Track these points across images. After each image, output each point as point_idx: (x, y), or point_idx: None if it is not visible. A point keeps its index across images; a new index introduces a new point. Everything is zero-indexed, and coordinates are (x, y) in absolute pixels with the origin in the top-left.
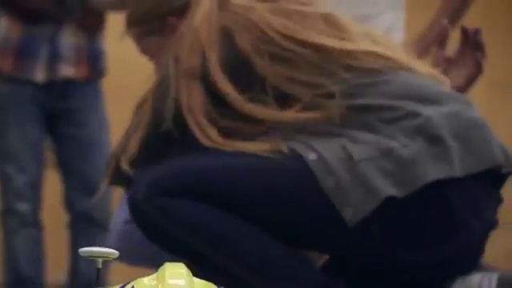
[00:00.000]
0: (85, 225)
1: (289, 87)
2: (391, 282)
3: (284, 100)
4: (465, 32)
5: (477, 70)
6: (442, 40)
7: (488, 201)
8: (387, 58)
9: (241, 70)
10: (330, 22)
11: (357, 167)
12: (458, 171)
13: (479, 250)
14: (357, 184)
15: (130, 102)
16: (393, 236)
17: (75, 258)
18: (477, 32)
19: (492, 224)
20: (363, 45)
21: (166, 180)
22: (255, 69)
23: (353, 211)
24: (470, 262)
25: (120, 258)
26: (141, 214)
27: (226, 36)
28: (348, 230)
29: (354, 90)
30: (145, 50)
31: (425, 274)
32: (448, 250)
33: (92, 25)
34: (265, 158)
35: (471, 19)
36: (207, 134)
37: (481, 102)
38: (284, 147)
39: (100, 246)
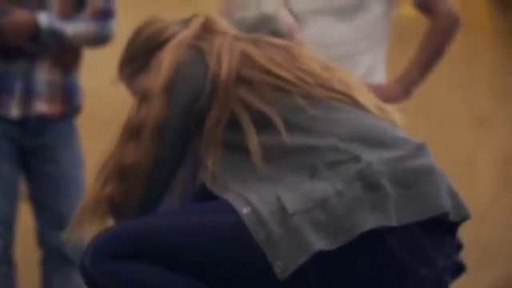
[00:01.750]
0: (57, 261)
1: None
2: None
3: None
4: None
5: None
6: None
7: (439, 247)
8: (343, 94)
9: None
10: (291, 54)
11: (290, 220)
12: (393, 220)
13: None
14: (288, 237)
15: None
16: (330, 285)
17: None
18: None
19: (446, 269)
20: (321, 77)
21: (110, 243)
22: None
23: (283, 265)
24: None
25: None
26: (89, 279)
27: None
28: (284, 282)
29: (307, 124)
30: (135, 92)
31: None
32: None
33: (67, 61)
34: (204, 215)
35: (457, 56)
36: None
37: (465, 137)
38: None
39: (72, 283)
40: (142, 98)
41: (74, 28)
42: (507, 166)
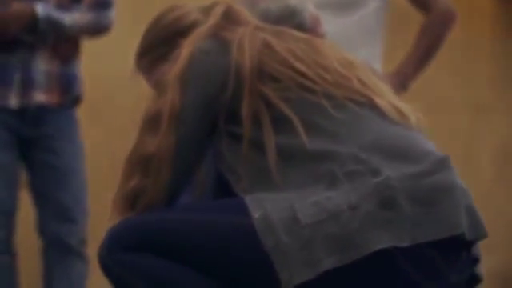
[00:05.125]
0: (58, 251)
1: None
2: None
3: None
4: None
5: None
6: None
7: (453, 264)
8: (362, 95)
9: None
10: (313, 48)
11: (301, 231)
12: (406, 240)
13: None
14: (297, 249)
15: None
16: None
17: (49, 284)
18: None
19: (460, 284)
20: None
21: (127, 235)
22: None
23: (289, 276)
24: None
25: None
26: (105, 268)
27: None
28: None
29: (329, 128)
30: (155, 82)
31: None
32: None
33: (66, 51)
34: (219, 214)
35: (457, 46)
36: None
37: (463, 125)
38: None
39: (73, 272)
40: (160, 88)
41: (71, 18)
42: (505, 154)
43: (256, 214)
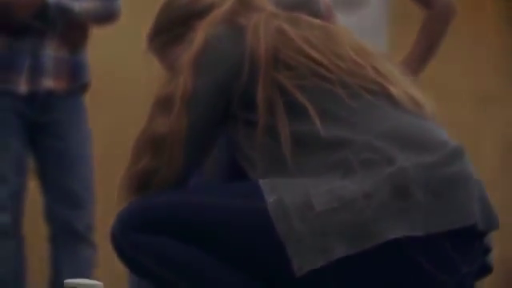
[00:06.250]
0: (66, 237)
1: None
2: None
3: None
4: None
5: None
6: None
7: (464, 254)
8: (377, 84)
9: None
10: (328, 36)
11: (314, 218)
12: (419, 230)
13: None
14: (310, 236)
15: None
16: (348, 285)
17: (56, 270)
18: None
19: (471, 273)
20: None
21: (139, 216)
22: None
23: (301, 263)
24: None
25: None
26: (117, 248)
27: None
28: (300, 277)
29: (344, 116)
30: (168, 63)
31: None
32: None
33: (75, 38)
34: (232, 196)
35: (461, 35)
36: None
37: (468, 116)
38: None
39: (81, 258)
40: (173, 71)
41: (80, 5)
42: (509, 143)
43: (270, 199)
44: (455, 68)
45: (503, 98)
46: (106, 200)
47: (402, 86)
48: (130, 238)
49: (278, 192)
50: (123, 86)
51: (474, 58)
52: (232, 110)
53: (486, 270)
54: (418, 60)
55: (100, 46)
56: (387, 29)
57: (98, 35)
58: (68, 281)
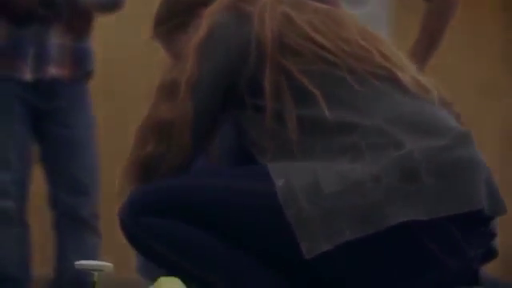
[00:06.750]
0: (71, 224)
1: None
2: None
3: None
4: None
5: None
6: None
7: (470, 238)
8: (383, 68)
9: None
10: (333, 20)
11: (323, 200)
12: (426, 214)
13: (468, 281)
14: (319, 219)
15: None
16: (355, 270)
17: (61, 257)
18: None
19: (476, 257)
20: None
21: (147, 199)
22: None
23: (310, 245)
24: None
25: (140, 272)
26: (126, 231)
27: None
28: (308, 259)
29: (352, 100)
30: (173, 51)
31: None
32: (418, 286)
33: (79, 26)
34: (241, 180)
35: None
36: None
37: (468, 102)
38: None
39: (86, 245)
40: (178, 58)
41: None
42: (510, 134)
43: (279, 182)
44: (455, 57)
45: (503, 87)
46: (110, 187)
47: (409, 70)
48: (139, 221)
49: (286, 175)
50: (129, 73)
51: (473, 47)
52: (239, 96)
53: (491, 254)
54: (423, 53)
55: (100, 34)
56: (387, 27)
57: (102, 23)
58: (79, 262)
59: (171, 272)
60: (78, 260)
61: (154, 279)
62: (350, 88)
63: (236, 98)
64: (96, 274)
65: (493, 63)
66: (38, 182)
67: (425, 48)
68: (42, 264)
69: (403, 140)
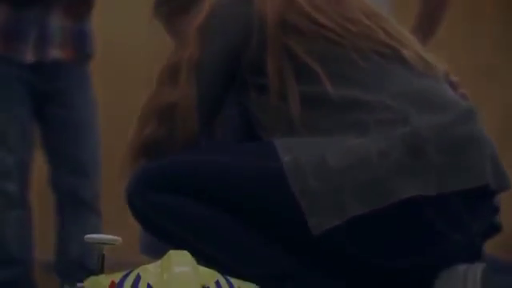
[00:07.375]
0: (73, 205)
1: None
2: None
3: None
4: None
5: None
6: None
7: (475, 213)
8: (388, 46)
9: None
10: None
11: (330, 176)
12: (432, 189)
13: (471, 256)
14: (326, 195)
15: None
16: (360, 244)
17: (63, 239)
18: None
19: (480, 232)
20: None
21: (155, 176)
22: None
23: (317, 221)
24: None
25: (145, 252)
26: (132, 208)
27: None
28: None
29: (357, 77)
30: (175, 32)
31: (403, 277)
32: (424, 260)
33: (79, 8)
34: (248, 157)
35: (459, 7)
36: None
37: (467, 87)
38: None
39: (88, 225)
40: (180, 40)
41: None
42: (509, 120)
43: (285, 158)
44: (454, 42)
45: (502, 72)
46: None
47: (414, 47)
48: (146, 197)
49: (293, 151)
50: (128, 59)
51: (471, 30)
52: (242, 76)
53: (494, 229)
54: (422, 37)
55: (104, 17)
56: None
57: (101, 6)
58: (88, 236)
59: (178, 248)
60: (80, 242)
61: (160, 257)
62: (354, 65)
63: (239, 78)
64: (104, 247)
65: (492, 48)
66: (40, 166)
67: (427, 24)
68: (44, 247)
69: (410, 116)
